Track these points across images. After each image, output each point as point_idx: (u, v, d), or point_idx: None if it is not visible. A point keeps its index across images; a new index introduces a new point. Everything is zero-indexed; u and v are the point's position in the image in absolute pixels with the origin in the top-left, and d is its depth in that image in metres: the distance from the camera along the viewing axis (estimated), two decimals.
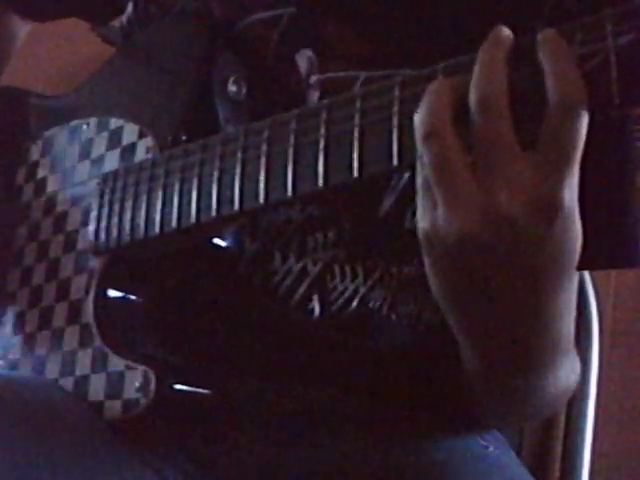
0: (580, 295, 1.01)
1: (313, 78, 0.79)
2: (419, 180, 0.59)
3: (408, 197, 0.77)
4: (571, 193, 0.55)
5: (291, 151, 0.66)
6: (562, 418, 1.04)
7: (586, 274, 1.05)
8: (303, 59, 0.80)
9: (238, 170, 0.70)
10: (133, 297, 0.81)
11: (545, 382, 0.71)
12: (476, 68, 0.57)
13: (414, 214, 0.74)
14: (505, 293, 0.59)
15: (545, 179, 0.54)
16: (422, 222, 0.59)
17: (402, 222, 0.79)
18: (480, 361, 0.69)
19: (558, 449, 1.04)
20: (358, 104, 0.63)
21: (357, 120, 0.63)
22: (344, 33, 0.80)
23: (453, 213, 0.56)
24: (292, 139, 0.67)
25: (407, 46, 0.77)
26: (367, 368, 0.83)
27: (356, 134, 0.63)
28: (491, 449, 0.82)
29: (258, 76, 0.80)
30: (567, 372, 0.74)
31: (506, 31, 0.58)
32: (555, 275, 0.59)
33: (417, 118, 0.58)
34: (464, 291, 0.60)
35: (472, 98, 0.56)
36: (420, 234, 0.60)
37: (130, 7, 0.91)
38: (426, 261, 0.61)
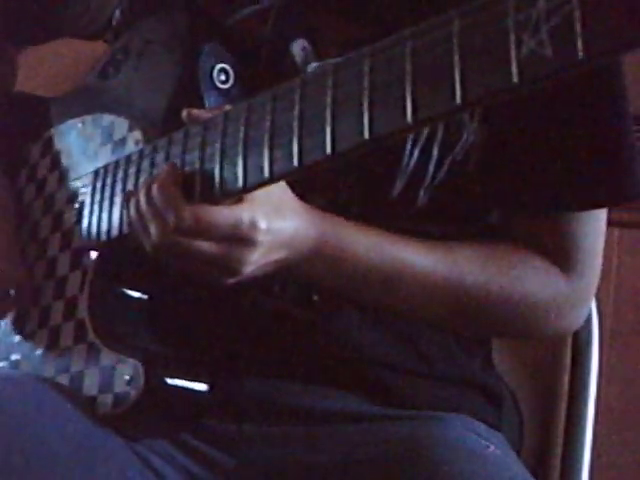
0: None
1: (311, 66, 0.79)
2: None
3: (421, 176, 0.77)
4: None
5: (296, 121, 0.64)
6: (562, 418, 1.04)
7: None
8: (298, 49, 0.80)
9: (241, 147, 0.68)
10: (127, 291, 0.81)
11: (426, 300, 0.79)
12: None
13: (425, 192, 0.79)
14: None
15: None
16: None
17: (415, 201, 0.79)
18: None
19: (558, 449, 1.03)
20: (367, 65, 0.60)
21: (366, 83, 0.60)
22: (335, 19, 0.80)
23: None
24: (297, 109, 0.64)
25: (401, 27, 0.76)
26: (368, 367, 0.83)
27: (366, 94, 0.59)
28: (491, 449, 0.81)
29: (248, 65, 0.80)
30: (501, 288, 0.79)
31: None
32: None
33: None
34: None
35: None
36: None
37: (118, 12, 0.92)
38: None
